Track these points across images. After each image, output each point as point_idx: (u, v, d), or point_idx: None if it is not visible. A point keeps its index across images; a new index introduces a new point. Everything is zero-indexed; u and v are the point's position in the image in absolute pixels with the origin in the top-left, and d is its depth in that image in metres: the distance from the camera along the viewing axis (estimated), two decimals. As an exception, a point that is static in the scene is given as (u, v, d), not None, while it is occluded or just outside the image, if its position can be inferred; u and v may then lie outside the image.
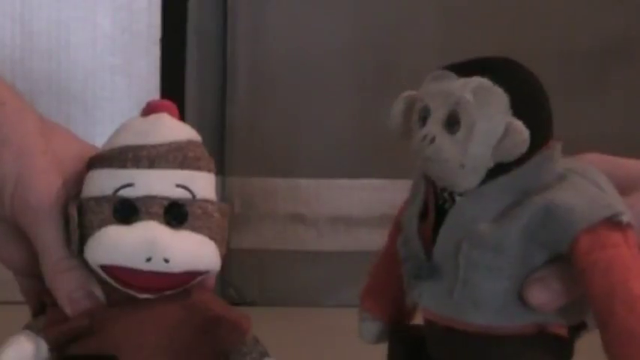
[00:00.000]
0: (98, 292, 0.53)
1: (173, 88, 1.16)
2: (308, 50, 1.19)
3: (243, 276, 1.19)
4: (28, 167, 0.55)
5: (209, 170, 0.55)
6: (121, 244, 0.51)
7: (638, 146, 1.19)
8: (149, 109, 0.55)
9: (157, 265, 0.51)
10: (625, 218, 0.46)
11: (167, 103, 0.55)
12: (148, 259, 0.51)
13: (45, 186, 0.55)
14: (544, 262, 0.47)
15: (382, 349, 0.57)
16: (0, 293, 0.91)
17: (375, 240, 1.26)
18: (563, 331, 0.48)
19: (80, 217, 0.52)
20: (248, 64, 1.19)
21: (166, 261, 0.51)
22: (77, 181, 0.55)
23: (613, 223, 0.46)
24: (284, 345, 0.58)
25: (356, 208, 1.20)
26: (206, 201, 0.54)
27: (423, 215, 0.50)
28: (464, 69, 0.48)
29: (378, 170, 1.18)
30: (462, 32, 1.17)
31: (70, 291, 0.53)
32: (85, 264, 0.53)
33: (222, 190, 1.19)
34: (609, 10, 1.21)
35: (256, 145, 1.19)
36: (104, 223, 0.52)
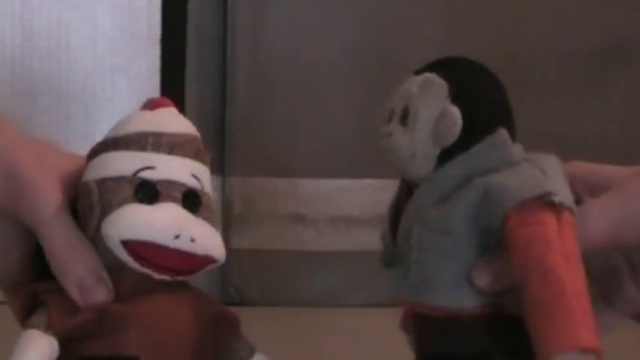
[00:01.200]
0: (108, 281, 0.52)
1: (173, 88, 1.16)
2: (308, 50, 1.19)
3: (243, 276, 1.19)
4: (16, 162, 0.54)
5: (209, 167, 0.56)
6: (151, 220, 0.51)
7: (638, 146, 1.19)
8: (153, 104, 0.55)
9: (184, 244, 0.51)
10: (556, 198, 0.47)
11: (168, 99, 0.56)
12: (177, 237, 0.51)
13: (37, 172, 0.54)
14: (495, 245, 0.49)
15: (382, 350, 0.57)
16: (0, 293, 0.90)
17: (375, 240, 1.26)
18: (520, 313, 0.48)
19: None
20: (248, 64, 1.19)
21: (193, 240, 0.52)
22: (67, 182, 0.54)
23: (543, 202, 0.47)
24: (284, 345, 0.58)
25: (356, 208, 1.20)
26: (209, 195, 0.55)
27: (398, 211, 0.52)
28: (421, 69, 0.52)
29: (378, 170, 1.18)
30: (462, 32, 1.17)
31: (81, 278, 0.52)
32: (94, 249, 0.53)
33: (222, 190, 1.19)
34: (609, 10, 1.21)
35: (256, 145, 1.19)
36: (124, 202, 0.52)
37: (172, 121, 0.55)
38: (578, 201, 0.51)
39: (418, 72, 0.52)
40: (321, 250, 1.20)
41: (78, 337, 0.52)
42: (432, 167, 0.50)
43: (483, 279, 0.49)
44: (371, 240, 1.21)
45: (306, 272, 1.20)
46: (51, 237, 0.53)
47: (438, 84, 0.50)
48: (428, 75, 0.51)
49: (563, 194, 0.48)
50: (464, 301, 0.49)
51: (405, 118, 0.51)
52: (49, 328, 0.51)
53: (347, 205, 1.20)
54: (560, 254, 0.47)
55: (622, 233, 0.51)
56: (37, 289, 0.53)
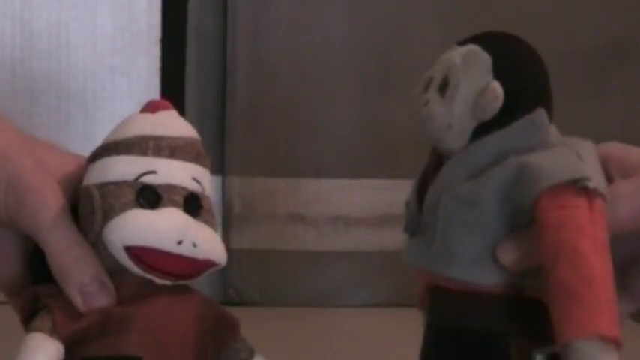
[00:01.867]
0: (110, 285, 0.52)
1: (173, 88, 1.16)
2: (308, 50, 1.19)
3: (243, 276, 1.19)
4: (16, 167, 0.54)
5: (209, 169, 0.56)
6: (154, 225, 0.51)
7: (638, 146, 1.19)
8: (153, 107, 0.55)
9: (187, 249, 0.51)
10: (591, 184, 0.47)
11: (168, 101, 0.56)
12: (179, 242, 0.51)
13: (38, 179, 0.54)
14: (524, 225, 0.48)
15: (381, 350, 0.57)
16: (0, 293, 0.90)
17: (375, 240, 1.26)
18: (541, 296, 0.48)
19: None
20: (248, 64, 1.19)
21: (195, 245, 0.52)
22: (67, 184, 0.55)
23: (578, 187, 0.47)
24: (284, 345, 0.58)
25: (356, 208, 1.20)
26: (209, 199, 0.55)
27: (426, 181, 0.52)
28: (465, 40, 0.51)
29: (378, 170, 1.18)
30: (462, 32, 1.17)
31: (84, 284, 0.52)
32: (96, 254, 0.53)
33: (222, 190, 1.19)
34: (609, 10, 1.21)
35: (256, 145, 1.19)
36: (127, 207, 0.52)
37: (173, 124, 0.55)
38: (610, 182, 0.51)
39: (461, 43, 0.51)
40: (321, 250, 1.20)
41: (81, 339, 0.52)
42: (467, 140, 0.50)
43: (509, 257, 0.48)
44: (371, 240, 1.22)
45: (306, 272, 1.20)
46: (52, 243, 0.53)
47: (482, 57, 0.50)
48: (472, 47, 0.50)
49: (598, 180, 0.48)
50: (485, 278, 0.49)
51: (444, 87, 0.50)
52: (54, 332, 0.51)
53: (347, 205, 1.20)
54: (591, 241, 0.46)
55: None
56: (38, 292, 0.53)
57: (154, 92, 1.15)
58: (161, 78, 1.16)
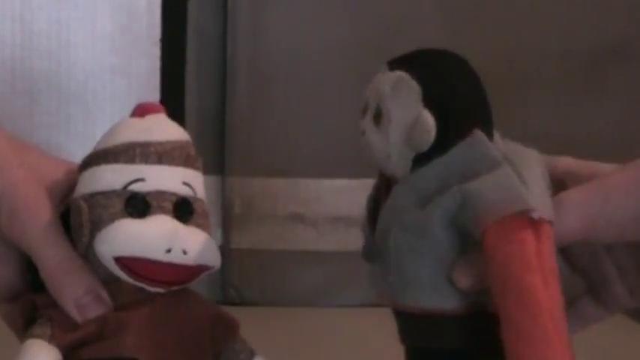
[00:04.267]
0: (105, 295, 0.53)
1: (173, 88, 1.16)
2: (308, 50, 1.19)
3: (243, 276, 1.19)
4: (8, 181, 0.54)
5: (201, 171, 0.55)
6: (142, 235, 0.51)
7: (637, 146, 1.19)
8: (143, 110, 0.55)
9: (176, 257, 0.51)
10: (536, 215, 0.46)
11: (158, 104, 0.56)
12: (168, 250, 0.51)
13: (30, 193, 0.54)
14: (474, 244, 0.48)
15: (381, 350, 0.57)
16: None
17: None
18: None
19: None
20: (248, 64, 1.19)
21: (185, 253, 0.51)
22: (57, 191, 0.55)
23: (523, 217, 0.46)
24: (284, 345, 0.58)
25: (356, 208, 1.19)
26: (203, 201, 0.55)
27: (378, 203, 0.53)
28: (394, 63, 0.52)
29: (378, 170, 1.18)
30: (462, 32, 1.17)
31: (78, 297, 0.52)
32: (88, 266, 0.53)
33: (222, 190, 1.19)
34: (609, 10, 1.21)
35: (256, 145, 1.19)
36: (116, 217, 0.52)
37: (161, 128, 0.54)
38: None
39: (392, 63, 0.51)
40: (321, 250, 1.20)
41: (78, 345, 0.52)
42: (409, 167, 0.50)
43: (466, 281, 0.48)
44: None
45: (306, 272, 1.20)
46: (44, 259, 0.53)
47: (411, 86, 0.49)
48: (401, 75, 0.50)
49: (543, 207, 0.47)
50: (443, 302, 0.49)
51: (378, 117, 0.50)
52: (52, 340, 0.52)
53: (347, 205, 1.20)
54: (538, 274, 0.46)
55: (596, 229, 0.49)
56: (36, 302, 0.53)
57: (153, 92, 1.14)
58: (161, 78, 1.16)
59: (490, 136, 0.50)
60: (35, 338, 0.51)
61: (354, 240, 1.23)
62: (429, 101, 0.49)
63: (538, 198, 0.48)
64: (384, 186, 0.52)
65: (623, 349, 0.54)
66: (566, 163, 0.53)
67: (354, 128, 1.32)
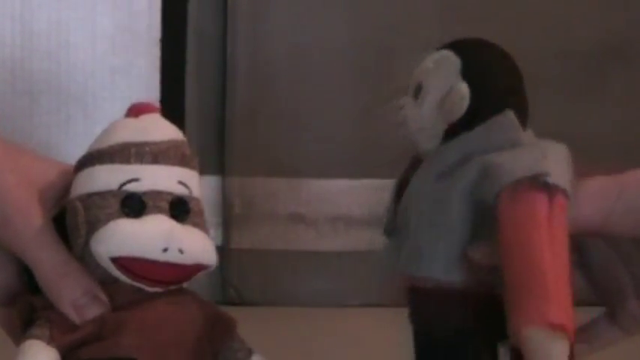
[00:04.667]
0: (102, 296, 0.53)
1: (173, 88, 1.16)
2: (308, 50, 1.19)
3: (243, 276, 1.19)
4: (0, 187, 0.54)
5: (197, 170, 0.55)
6: (138, 235, 0.51)
7: (638, 146, 1.19)
8: (137, 110, 0.55)
9: (173, 256, 0.51)
10: (551, 179, 0.47)
11: (153, 105, 0.56)
12: (165, 250, 0.51)
13: (22, 197, 0.54)
14: (490, 224, 0.49)
15: (381, 350, 0.57)
16: None
17: (375, 240, 1.26)
18: None
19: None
20: (248, 64, 1.19)
21: (181, 252, 0.51)
22: (50, 194, 0.54)
23: (537, 182, 0.47)
24: (284, 345, 0.58)
25: (356, 208, 1.20)
26: (199, 200, 0.55)
27: (404, 185, 0.53)
28: (442, 47, 0.53)
29: (378, 170, 1.18)
30: (462, 32, 1.17)
31: (75, 299, 0.52)
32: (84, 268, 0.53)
33: (222, 190, 1.19)
34: (609, 10, 1.21)
35: (256, 145, 1.19)
36: (112, 217, 0.52)
37: (155, 128, 0.54)
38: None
39: (439, 48, 0.53)
40: (321, 250, 1.20)
41: (77, 345, 0.52)
42: (439, 142, 0.51)
43: (478, 250, 0.49)
44: (371, 240, 1.21)
45: (306, 272, 1.20)
46: (39, 264, 0.53)
47: (452, 60, 0.51)
48: (444, 51, 0.52)
49: (559, 176, 0.48)
50: (454, 275, 0.49)
51: (417, 91, 0.51)
52: (51, 341, 0.52)
53: (347, 205, 1.20)
54: (547, 234, 0.47)
55: (611, 219, 0.50)
56: (34, 304, 0.53)
57: (153, 92, 1.14)
58: (161, 78, 1.16)
59: (523, 126, 0.51)
60: (34, 339, 0.51)
61: (354, 240, 1.23)
62: (467, 74, 0.50)
63: (556, 168, 0.48)
64: (412, 165, 0.53)
65: (625, 350, 0.54)
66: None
67: (355, 128, 1.32)
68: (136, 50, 1.16)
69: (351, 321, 1.12)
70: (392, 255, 0.52)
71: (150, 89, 1.15)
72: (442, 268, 0.50)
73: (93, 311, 0.52)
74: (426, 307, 0.51)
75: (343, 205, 1.20)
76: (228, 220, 1.19)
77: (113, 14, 1.15)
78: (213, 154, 1.18)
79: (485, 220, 0.49)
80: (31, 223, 0.53)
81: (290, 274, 1.20)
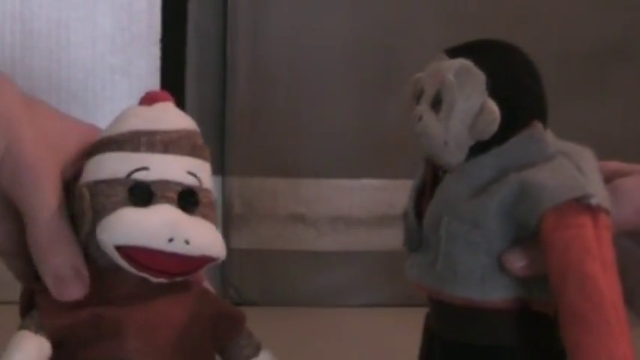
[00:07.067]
0: (86, 277, 0.52)
1: (173, 88, 1.16)
2: (308, 50, 1.19)
3: (243, 276, 1.19)
4: (16, 137, 0.52)
5: (209, 161, 0.55)
6: (143, 225, 0.50)
7: (638, 146, 1.19)
8: (151, 99, 0.54)
9: (179, 247, 0.50)
10: (594, 201, 0.46)
11: (166, 93, 0.55)
12: (170, 240, 0.50)
13: (36, 154, 0.53)
14: (527, 237, 0.48)
15: (381, 350, 0.57)
16: (0, 293, 0.91)
17: (375, 240, 1.26)
18: (548, 310, 0.48)
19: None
20: (248, 64, 1.19)
21: (187, 242, 0.51)
22: (65, 155, 0.54)
23: (581, 204, 0.47)
24: (284, 345, 0.58)
25: (356, 208, 1.20)
26: (209, 191, 0.54)
27: (422, 192, 0.52)
28: (455, 51, 0.51)
29: (378, 170, 1.18)
30: (462, 32, 1.17)
31: (57, 267, 0.51)
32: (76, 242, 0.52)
33: (222, 190, 1.18)
34: (609, 10, 1.21)
35: (256, 145, 1.19)
36: (118, 206, 0.51)
37: (167, 117, 0.54)
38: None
39: (451, 52, 0.51)
40: (321, 250, 1.20)
41: (74, 341, 0.51)
42: (464, 156, 0.49)
43: (517, 263, 0.48)
44: (371, 240, 1.21)
45: (306, 272, 1.19)
46: (36, 225, 0.52)
47: (476, 75, 0.49)
48: (465, 63, 0.49)
49: (600, 195, 0.47)
50: (491, 294, 0.49)
51: (437, 104, 0.49)
52: (40, 329, 0.51)
53: (347, 205, 1.20)
54: (598, 261, 0.46)
55: None
56: (33, 289, 0.53)
57: (154, 92, 1.14)
58: (161, 78, 1.16)
59: (545, 128, 0.50)
60: (22, 330, 0.51)
61: (353, 240, 1.23)
62: (494, 90, 0.49)
63: (596, 186, 0.48)
64: (430, 176, 0.52)
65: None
66: (615, 164, 0.53)
67: (354, 128, 1.32)
68: (136, 50, 1.16)
69: (351, 321, 1.12)
70: (418, 272, 0.51)
71: (150, 89, 1.15)
72: (478, 287, 0.49)
73: (72, 289, 0.51)
74: (456, 322, 0.50)
75: (343, 205, 1.20)
76: (228, 220, 1.18)
77: (113, 14, 1.15)
78: (213, 154, 1.17)
79: (520, 237, 0.48)
80: (40, 181, 0.52)
81: (290, 274, 1.19)
